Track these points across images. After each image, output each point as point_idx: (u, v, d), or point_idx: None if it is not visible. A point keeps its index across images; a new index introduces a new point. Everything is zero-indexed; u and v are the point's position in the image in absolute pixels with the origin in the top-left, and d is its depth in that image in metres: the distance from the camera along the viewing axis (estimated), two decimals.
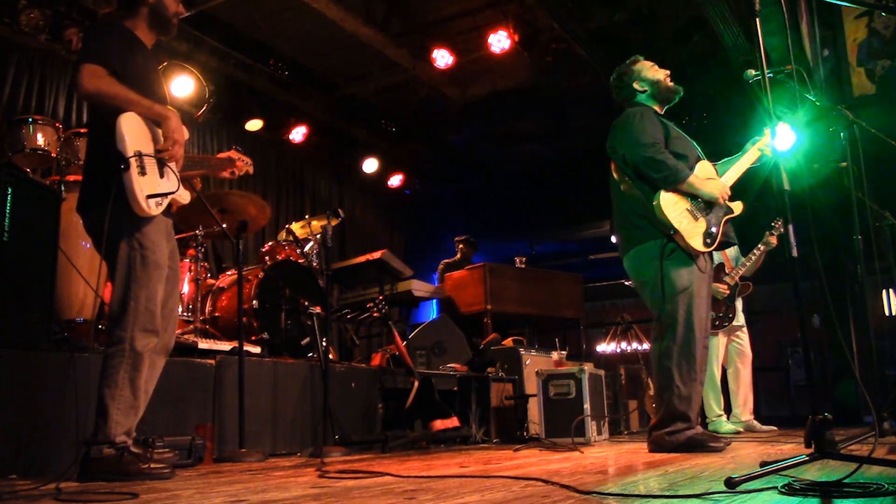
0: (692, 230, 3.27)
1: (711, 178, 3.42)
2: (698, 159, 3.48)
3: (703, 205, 3.33)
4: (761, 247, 5.23)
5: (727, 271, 5.25)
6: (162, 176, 2.55)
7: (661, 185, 3.26)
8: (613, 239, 3.93)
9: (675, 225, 3.23)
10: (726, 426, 5.10)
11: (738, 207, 3.45)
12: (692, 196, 3.31)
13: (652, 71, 3.58)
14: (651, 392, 5.01)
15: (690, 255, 3.32)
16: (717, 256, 5.29)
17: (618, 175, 3.50)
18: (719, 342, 5.25)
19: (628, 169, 3.37)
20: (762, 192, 5.86)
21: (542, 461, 2.97)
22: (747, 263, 5.23)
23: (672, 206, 3.26)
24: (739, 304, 5.33)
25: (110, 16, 2.74)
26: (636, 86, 3.56)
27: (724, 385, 5.38)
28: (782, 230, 5.00)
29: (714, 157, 3.63)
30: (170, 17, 2.74)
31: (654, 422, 3.35)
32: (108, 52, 2.52)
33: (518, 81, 7.59)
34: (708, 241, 3.31)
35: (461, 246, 7.58)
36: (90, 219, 2.57)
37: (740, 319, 5.32)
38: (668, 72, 3.59)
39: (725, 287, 5.18)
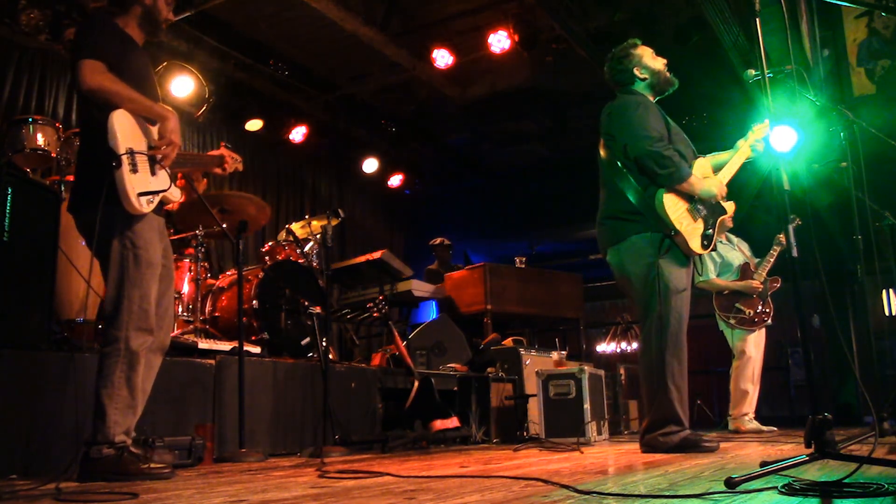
0: (692, 231, 3.24)
1: (706, 176, 3.40)
2: (694, 156, 3.46)
3: (700, 205, 3.31)
4: (776, 247, 5.23)
5: (753, 269, 5.25)
6: (153, 174, 2.54)
7: (663, 182, 3.20)
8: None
9: (677, 226, 3.19)
10: (748, 424, 5.07)
11: (730, 208, 3.44)
12: (689, 196, 3.28)
13: (652, 58, 3.51)
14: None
15: (686, 256, 3.31)
16: (741, 256, 5.32)
17: (609, 161, 3.42)
18: (760, 339, 5.19)
19: (627, 160, 3.28)
20: (762, 192, 5.88)
21: (542, 461, 2.97)
22: (769, 262, 5.22)
23: (673, 205, 3.21)
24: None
25: (100, 11, 2.73)
26: (637, 72, 3.47)
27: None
28: (797, 223, 5.02)
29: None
30: (160, 21, 2.75)
31: (647, 424, 3.30)
32: (105, 48, 2.52)
33: (518, 81, 7.59)
34: (705, 242, 3.29)
35: (435, 251, 7.54)
36: (82, 218, 2.57)
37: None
38: (665, 61, 3.53)
39: (758, 284, 5.15)
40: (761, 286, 5.15)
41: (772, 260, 5.23)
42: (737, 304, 5.12)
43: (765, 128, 3.52)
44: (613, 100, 3.50)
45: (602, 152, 3.48)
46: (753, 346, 5.16)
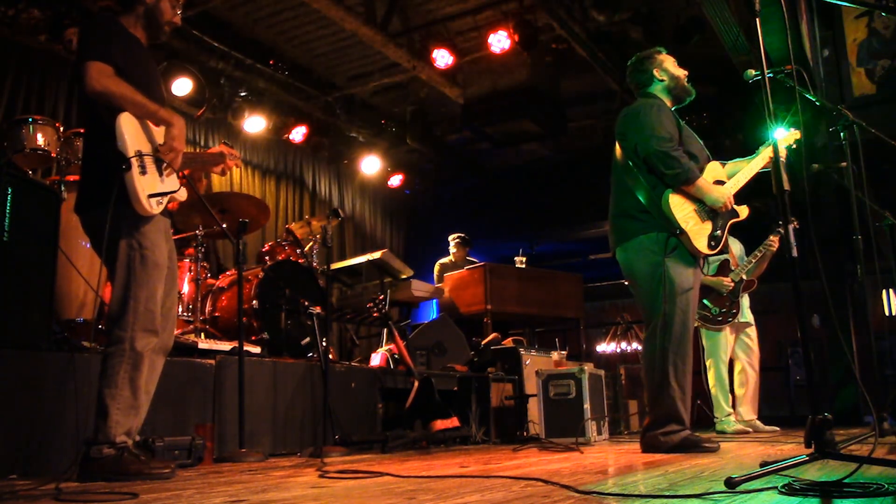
0: (698, 232, 3.25)
1: (719, 179, 3.40)
2: (708, 160, 3.46)
3: (709, 207, 3.31)
4: (762, 249, 5.14)
5: (732, 267, 5.21)
6: (161, 175, 2.55)
7: (670, 182, 3.23)
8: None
9: (682, 225, 3.21)
10: (734, 425, 5.06)
11: (743, 212, 3.43)
12: (697, 198, 3.30)
13: (673, 66, 3.57)
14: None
15: (693, 256, 3.31)
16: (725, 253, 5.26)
17: (622, 161, 3.46)
18: (726, 339, 5.16)
19: (637, 159, 3.31)
20: (762, 192, 5.87)
21: (542, 461, 2.97)
22: (750, 263, 5.14)
23: (680, 205, 3.23)
24: (746, 301, 5.26)
25: (106, 12, 2.72)
26: (656, 73, 3.51)
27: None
28: (782, 231, 4.98)
29: (713, 156, 3.62)
30: (162, 24, 2.73)
31: (648, 422, 3.31)
32: (112, 50, 2.51)
33: (518, 81, 7.58)
34: (712, 243, 3.28)
35: (454, 247, 7.52)
36: (89, 218, 2.57)
37: (748, 316, 5.25)
38: (686, 73, 3.58)
39: (730, 280, 5.09)
40: (732, 284, 5.08)
41: (754, 261, 5.14)
42: (704, 300, 5.01)
43: (792, 136, 3.53)
44: (632, 103, 3.53)
45: (616, 152, 3.51)
46: (722, 349, 5.11)
